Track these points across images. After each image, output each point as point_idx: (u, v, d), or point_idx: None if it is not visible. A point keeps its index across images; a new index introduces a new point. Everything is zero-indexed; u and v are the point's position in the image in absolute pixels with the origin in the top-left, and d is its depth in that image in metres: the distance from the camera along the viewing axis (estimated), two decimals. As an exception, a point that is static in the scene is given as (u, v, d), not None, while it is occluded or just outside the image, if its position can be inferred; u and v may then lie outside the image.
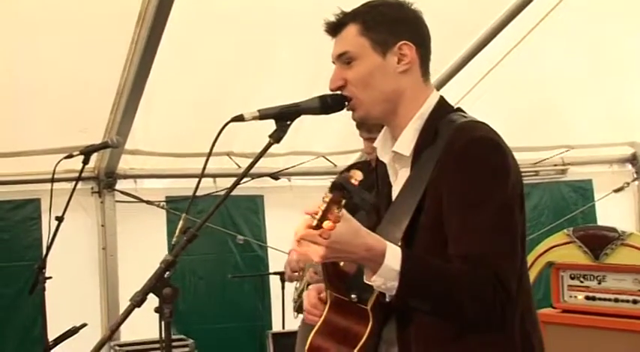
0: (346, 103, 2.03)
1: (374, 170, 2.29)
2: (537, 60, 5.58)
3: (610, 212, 6.82)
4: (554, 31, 5.30)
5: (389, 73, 2.02)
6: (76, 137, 4.63)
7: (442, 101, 2.09)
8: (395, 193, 2.07)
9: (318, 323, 2.06)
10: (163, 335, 1.81)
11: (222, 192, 5.68)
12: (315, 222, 1.77)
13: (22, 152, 5.04)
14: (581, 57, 5.71)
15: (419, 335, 1.96)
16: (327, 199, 1.73)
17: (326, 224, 1.73)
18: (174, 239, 1.92)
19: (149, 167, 5.59)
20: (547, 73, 5.76)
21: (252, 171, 6.31)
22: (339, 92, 2.04)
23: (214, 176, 5.43)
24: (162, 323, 1.80)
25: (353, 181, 1.74)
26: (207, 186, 5.16)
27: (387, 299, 1.90)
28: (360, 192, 1.73)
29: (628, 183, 6.92)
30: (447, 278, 1.86)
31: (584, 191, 6.99)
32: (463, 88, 5.58)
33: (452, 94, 5.44)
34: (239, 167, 5.48)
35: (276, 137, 1.99)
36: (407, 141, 2.03)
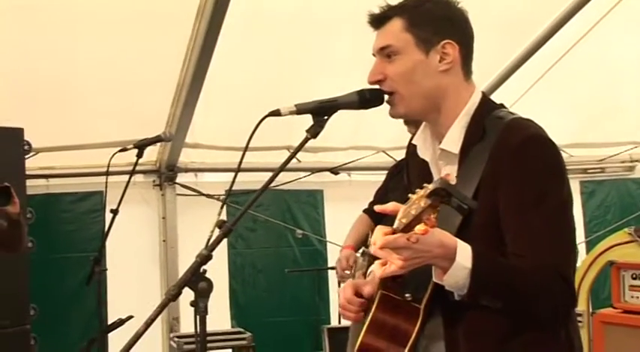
0: (385, 97, 2.01)
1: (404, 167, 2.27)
2: (603, 53, 5.45)
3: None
4: (622, 22, 5.17)
5: (430, 70, 1.99)
6: (138, 131, 4.69)
7: (485, 98, 2.07)
8: None
9: (367, 322, 2.06)
10: (199, 330, 1.81)
11: (281, 186, 5.67)
12: (398, 225, 1.72)
13: (86, 145, 5.16)
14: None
15: (468, 331, 1.94)
16: (423, 204, 1.69)
17: (419, 227, 1.68)
18: (210, 233, 1.93)
19: (209, 161, 5.65)
20: (614, 66, 5.62)
21: (312, 165, 6.29)
22: (377, 86, 2.02)
23: (274, 170, 5.42)
24: (198, 317, 1.81)
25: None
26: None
27: (457, 298, 1.87)
28: (462, 198, 1.69)
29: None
30: (516, 274, 1.84)
31: (652, 189, 6.79)
32: (527, 81, 5.48)
33: (515, 88, 5.39)
34: (299, 161, 5.48)
35: (313, 132, 1.99)
36: (454, 139, 2.00)
